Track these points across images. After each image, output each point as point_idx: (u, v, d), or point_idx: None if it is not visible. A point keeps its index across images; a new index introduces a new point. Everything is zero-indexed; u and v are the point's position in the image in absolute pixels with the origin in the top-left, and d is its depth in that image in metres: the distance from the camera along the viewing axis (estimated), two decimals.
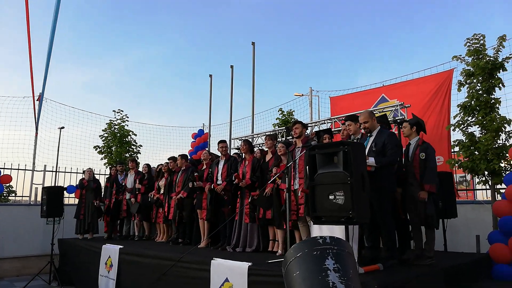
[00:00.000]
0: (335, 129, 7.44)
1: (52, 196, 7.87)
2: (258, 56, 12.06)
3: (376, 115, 6.39)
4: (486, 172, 6.31)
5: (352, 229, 3.56)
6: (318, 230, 4.01)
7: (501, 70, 6.41)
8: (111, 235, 8.42)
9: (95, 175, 8.89)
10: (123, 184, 8.39)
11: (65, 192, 8.66)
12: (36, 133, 10.00)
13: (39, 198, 9.76)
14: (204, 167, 6.82)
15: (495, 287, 4.59)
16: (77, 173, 10.53)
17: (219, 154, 6.69)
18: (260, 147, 8.75)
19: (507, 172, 6.05)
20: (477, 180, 6.77)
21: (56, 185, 9.66)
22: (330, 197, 3.27)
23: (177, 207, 6.97)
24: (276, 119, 11.66)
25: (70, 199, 10.13)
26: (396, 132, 6.21)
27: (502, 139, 6.28)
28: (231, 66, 11.25)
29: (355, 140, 4.60)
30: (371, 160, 3.97)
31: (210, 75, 12.07)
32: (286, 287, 2.08)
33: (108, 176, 8.91)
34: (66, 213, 8.02)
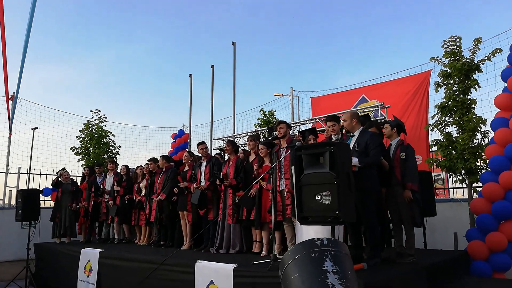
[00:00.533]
0: (319, 129, 7.50)
1: (28, 199, 7.61)
2: (239, 56, 12.00)
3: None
4: (463, 171, 6.47)
5: (338, 229, 3.58)
6: (304, 230, 4.02)
7: (476, 72, 6.59)
8: (89, 239, 8.22)
9: (71, 177, 8.64)
10: (102, 186, 8.20)
11: (40, 195, 8.40)
12: (10, 134, 9.67)
13: (13, 201, 9.45)
14: (187, 168, 6.74)
15: (474, 283, 4.71)
16: (52, 175, 10.22)
17: (200, 156, 6.62)
18: (242, 148, 8.72)
19: (483, 171, 6.23)
20: (454, 178, 6.94)
21: (31, 187, 9.35)
22: (317, 197, 3.28)
23: (157, 209, 6.86)
24: (258, 119, 11.65)
25: (46, 202, 9.83)
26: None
27: (478, 139, 6.45)
28: (212, 66, 11.19)
29: (337, 140, 4.64)
30: (354, 160, 4.00)
31: (190, 75, 11.96)
32: None
33: (81, 177, 8.65)
34: (42, 216, 7.76)
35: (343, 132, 5.02)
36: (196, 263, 4.39)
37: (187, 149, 11.00)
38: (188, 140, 11.78)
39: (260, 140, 8.11)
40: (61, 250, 7.23)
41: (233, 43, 10.86)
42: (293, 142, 5.18)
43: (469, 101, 6.52)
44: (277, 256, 4.14)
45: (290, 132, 5.76)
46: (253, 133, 8.71)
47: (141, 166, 7.86)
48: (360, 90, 9.04)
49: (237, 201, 5.56)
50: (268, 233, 5.33)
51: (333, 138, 4.85)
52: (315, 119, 8.01)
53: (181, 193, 6.46)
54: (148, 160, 7.52)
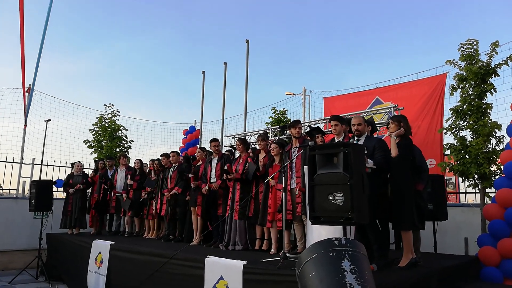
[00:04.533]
0: (329, 130, 7.47)
1: (41, 190, 7.75)
2: (252, 54, 12.01)
3: (367, 117, 6.47)
4: (476, 176, 6.41)
5: (350, 229, 3.58)
6: (315, 230, 4.03)
7: (493, 76, 6.52)
8: (100, 231, 8.33)
9: (84, 170, 8.76)
10: (113, 179, 8.29)
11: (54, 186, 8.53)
12: (25, 125, 9.82)
13: (26, 192, 9.61)
14: (200, 162, 6.78)
15: None
16: (65, 167, 10.37)
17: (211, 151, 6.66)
18: (253, 146, 8.74)
19: (497, 177, 6.16)
20: (467, 183, 6.87)
21: (44, 178, 9.50)
22: (329, 197, 3.28)
23: (168, 203, 6.93)
24: (269, 118, 11.64)
25: (59, 193, 9.98)
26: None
27: (493, 144, 6.38)
28: (225, 63, 11.22)
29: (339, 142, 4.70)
30: (370, 162, 4.01)
31: (203, 72, 12.01)
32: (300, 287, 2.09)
33: (94, 170, 8.76)
34: (54, 207, 7.89)
35: (347, 134, 5.05)
36: (206, 258, 4.43)
37: (198, 145, 11.06)
38: (199, 137, 11.84)
39: (271, 138, 8.14)
40: (73, 240, 7.34)
41: (247, 41, 10.88)
42: (305, 142, 5.18)
43: (485, 106, 6.45)
44: (287, 254, 4.16)
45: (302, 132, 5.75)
46: (262, 132, 8.71)
47: (152, 160, 7.93)
48: (374, 92, 8.97)
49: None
50: (276, 231, 5.34)
51: (336, 139, 4.87)
52: (327, 119, 7.98)
53: (194, 189, 6.52)
54: (161, 155, 7.60)
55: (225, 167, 5.95)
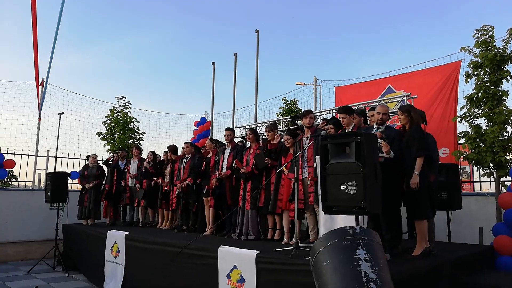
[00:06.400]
0: None
1: (56, 181, 7.89)
2: (262, 44, 11.92)
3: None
4: (491, 165, 6.31)
5: (363, 219, 3.57)
6: (328, 219, 4.03)
7: (509, 62, 6.37)
8: (114, 221, 8.46)
9: (98, 162, 8.89)
10: (125, 170, 8.40)
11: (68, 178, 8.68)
12: (39, 118, 9.96)
13: (42, 184, 9.79)
14: (210, 154, 6.81)
15: (501, 278, 4.63)
16: (80, 159, 10.53)
17: (224, 142, 6.67)
18: (263, 136, 8.73)
19: None
20: (481, 172, 6.78)
21: (58, 170, 9.66)
22: (342, 187, 3.28)
23: (181, 194, 6.97)
24: (280, 108, 11.61)
25: (73, 185, 10.14)
26: None
27: (509, 132, 6.26)
28: (235, 54, 11.16)
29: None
30: (392, 154, 4.04)
31: (213, 63, 11.99)
32: (314, 276, 2.09)
33: (109, 161, 8.87)
34: (69, 198, 8.03)
35: (361, 124, 5.02)
36: (219, 248, 4.47)
37: (209, 137, 11.09)
38: (210, 128, 11.87)
39: (281, 129, 8.12)
40: (88, 231, 7.47)
41: (257, 31, 10.78)
42: (317, 132, 5.17)
43: (501, 93, 6.32)
44: (300, 244, 4.17)
45: (314, 122, 5.73)
46: (271, 123, 8.68)
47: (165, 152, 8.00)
48: (386, 80, 8.84)
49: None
50: (288, 221, 5.36)
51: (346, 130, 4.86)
52: (337, 111, 7.92)
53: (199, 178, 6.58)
54: (168, 147, 7.67)
55: (234, 165, 5.95)
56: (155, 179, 7.77)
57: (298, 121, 7.60)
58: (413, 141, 4.19)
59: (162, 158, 8.05)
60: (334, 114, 7.85)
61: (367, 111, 5.86)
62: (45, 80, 9.87)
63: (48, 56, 9.86)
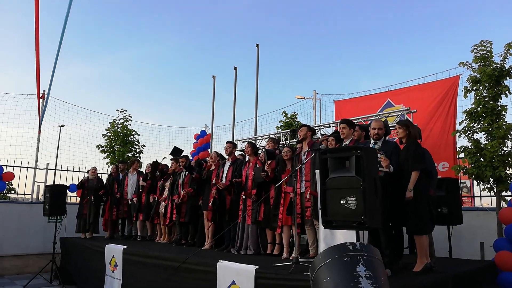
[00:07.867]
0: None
1: (55, 194, 7.85)
2: (262, 58, 12.01)
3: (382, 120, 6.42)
4: (491, 179, 6.30)
5: (363, 234, 3.54)
6: (328, 234, 3.99)
7: (508, 77, 6.42)
8: (113, 235, 8.39)
9: (98, 175, 8.86)
10: (123, 184, 8.37)
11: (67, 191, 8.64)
12: (39, 131, 9.97)
13: (41, 196, 9.74)
14: (213, 167, 6.79)
15: None
16: (79, 171, 10.51)
17: (225, 156, 6.67)
18: (263, 150, 8.72)
19: None
20: (482, 186, 6.75)
21: (57, 183, 9.62)
22: (342, 201, 3.26)
23: (178, 206, 6.93)
24: (280, 122, 11.63)
25: (72, 198, 10.10)
26: None
27: (508, 147, 6.27)
28: (235, 68, 11.25)
29: (346, 144, 4.73)
30: (391, 168, 4.02)
31: (214, 76, 12.07)
32: None
33: (109, 174, 8.87)
34: (68, 211, 7.97)
35: (362, 139, 5.03)
36: (218, 263, 4.42)
37: (214, 150, 11.09)
38: (210, 141, 11.88)
39: (282, 143, 8.13)
40: (86, 245, 7.40)
41: (257, 45, 10.88)
42: (315, 146, 5.17)
43: (499, 108, 6.35)
44: (299, 259, 4.13)
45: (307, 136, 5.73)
46: (275, 136, 8.71)
47: (165, 165, 7.98)
48: (386, 94, 8.90)
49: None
50: (288, 236, 5.32)
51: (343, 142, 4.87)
52: (339, 122, 7.94)
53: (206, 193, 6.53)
54: (171, 159, 7.63)
55: (234, 182, 5.98)
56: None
57: (297, 135, 7.62)
58: (409, 155, 4.20)
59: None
60: (334, 128, 7.87)
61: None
62: (46, 92, 9.90)
63: (50, 68, 9.92)
